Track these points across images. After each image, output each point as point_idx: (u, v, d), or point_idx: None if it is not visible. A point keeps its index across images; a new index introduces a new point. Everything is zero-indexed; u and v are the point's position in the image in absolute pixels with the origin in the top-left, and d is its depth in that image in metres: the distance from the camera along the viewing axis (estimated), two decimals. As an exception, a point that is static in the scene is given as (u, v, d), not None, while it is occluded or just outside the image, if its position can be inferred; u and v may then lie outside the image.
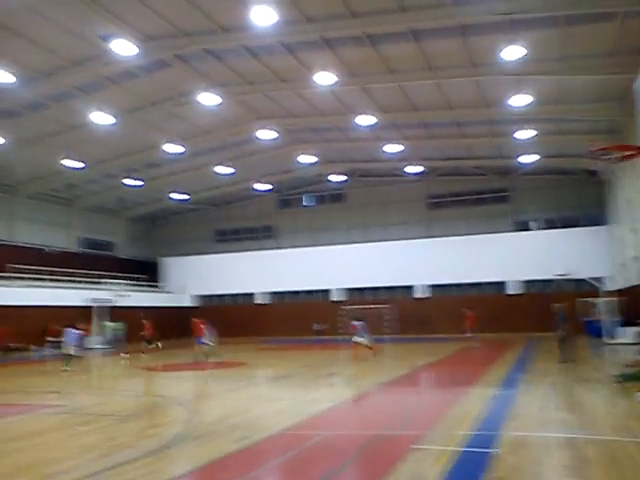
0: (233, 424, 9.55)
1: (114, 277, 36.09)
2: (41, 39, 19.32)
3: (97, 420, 10.47)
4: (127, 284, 36.42)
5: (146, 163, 33.60)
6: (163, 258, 45.97)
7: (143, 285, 41.32)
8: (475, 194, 39.15)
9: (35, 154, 29.75)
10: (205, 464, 7.02)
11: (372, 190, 41.52)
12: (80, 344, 20.80)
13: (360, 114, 26.64)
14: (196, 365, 20.79)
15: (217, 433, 8.82)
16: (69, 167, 31.64)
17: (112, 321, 32.64)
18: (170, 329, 38.18)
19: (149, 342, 26.92)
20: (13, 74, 20.46)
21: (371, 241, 40.45)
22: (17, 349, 27.40)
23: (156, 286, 43.87)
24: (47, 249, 36.53)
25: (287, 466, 7.16)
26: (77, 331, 20.22)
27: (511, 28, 18.30)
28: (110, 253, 42.78)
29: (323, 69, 21.69)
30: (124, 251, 44.14)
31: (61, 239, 38.47)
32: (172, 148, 30.37)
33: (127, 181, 35.54)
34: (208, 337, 22.59)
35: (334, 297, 40.59)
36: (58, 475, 6.65)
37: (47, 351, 27.16)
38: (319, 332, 38.71)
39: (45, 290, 32.30)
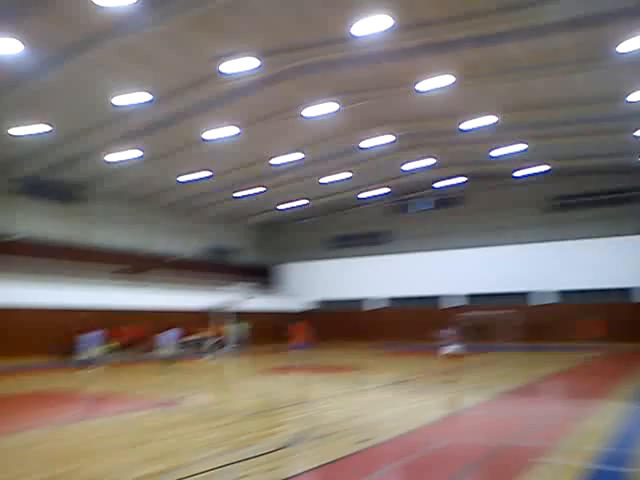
0: (350, 427, 9.72)
1: (236, 282, 37.77)
2: (166, 61, 20.82)
3: (223, 417, 11.09)
4: (249, 288, 37.97)
5: (263, 173, 34.95)
6: (281, 264, 47.56)
7: (264, 290, 42.95)
8: (600, 194, 36.66)
9: (163, 168, 32.05)
10: (323, 464, 7.22)
11: (489, 193, 40.22)
12: (176, 345, 21.99)
13: (476, 115, 26.05)
14: (310, 368, 21.23)
15: (335, 435, 9.03)
16: (193, 179, 33.79)
17: (234, 324, 34.21)
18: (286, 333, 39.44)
19: (222, 347, 27.80)
20: (147, 94, 22.29)
21: (487, 245, 39.19)
22: (149, 349, 29.52)
23: (274, 291, 45.44)
24: (174, 256, 39.16)
25: (403, 472, 7.19)
26: (173, 333, 21.41)
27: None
28: (232, 259, 44.97)
29: (438, 72, 21.49)
30: (245, 257, 46.28)
31: (190, 246, 41.14)
32: (287, 158, 31.45)
33: (246, 191, 37.23)
34: (303, 342, 22.54)
35: (448, 303, 39.74)
36: (191, 465, 7.16)
37: (175, 351, 29.12)
38: (436, 339, 37.94)
39: (173, 294, 34.61)
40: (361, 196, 42.09)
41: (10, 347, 25.20)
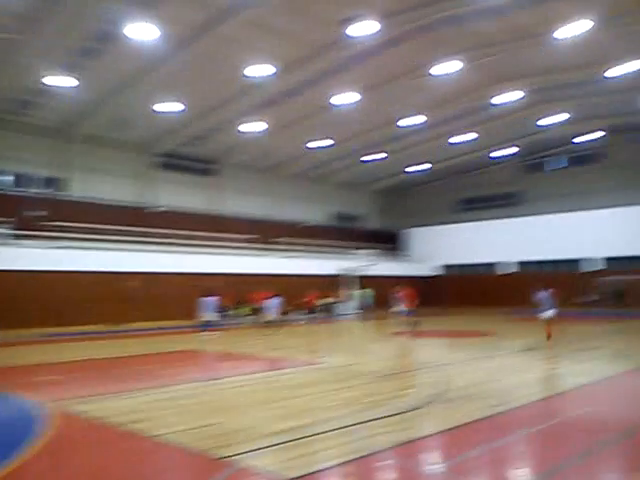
0: (482, 391, 9.63)
1: (362, 248, 38.30)
2: (291, 31, 21.18)
3: (354, 378, 11.46)
4: (374, 254, 38.34)
5: (387, 137, 34.70)
6: (407, 229, 47.27)
7: (389, 255, 43.10)
8: None
9: (289, 137, 32.92)
10: (453, 427, 7.26)
11: (632, 147, 36.74)
12: (279, 310, 22.42)
13: (619, 61, 23.82)
14: (437, 333, 21.08)
15: (466, 399, 9.00)
16: (318, 147, 34.39)
17: (361, 289, 34.83)
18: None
19: (311, 312, 27.57)
20: (274, 65, 22.92)
21: (630, 204, 36.00)
22: (285, 312, 30.91)
23: (401, 256, 45.40)
24: (302, 223, 40.39)
25: (535, 439, 7.01)
26: (277, 299, 21.79)
27: None
28: (358, 225, 45.50)
29: (573, 18, 19.87)
30: (370, 223, 46.61)
31: (315, 213, 42.17)
32: (412, 120, 30.91)
33: (370, 156, 37.23)
34: (408, 308, 21.62)
35: (586, 267, 37.28)
36: (326, 422, 7.53)
37: (309, 315, 30.36)
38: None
39: (303, 260, 35.80)
40: (490, 156, 40.35)
41: (156, 310, 27.52)
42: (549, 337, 17.04)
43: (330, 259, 37.04)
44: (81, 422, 7.87)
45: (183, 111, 27.35)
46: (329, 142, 33.69)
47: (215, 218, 35.26)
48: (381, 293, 36.02)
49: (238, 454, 6.12)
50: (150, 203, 32.65)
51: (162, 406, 8.84)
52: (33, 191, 28.69)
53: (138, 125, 29.58)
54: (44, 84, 23.62)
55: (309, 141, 33.75)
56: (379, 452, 6.23)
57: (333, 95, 26.85)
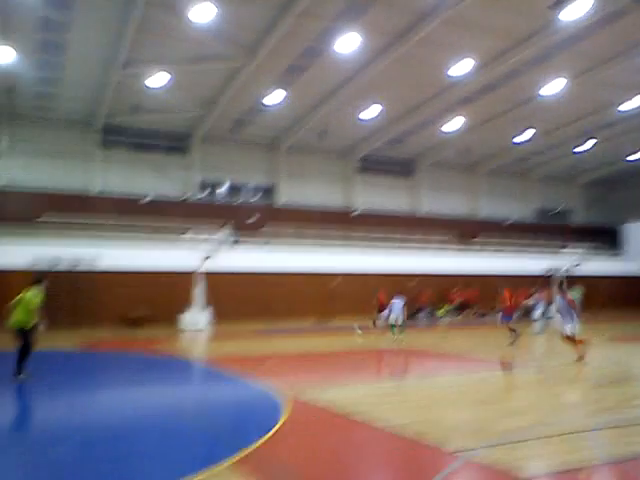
0: None
1: (568, 245, 35.58)
2: (492, 25, 20.54)
3: (572, 382, 10.81)
4: (584, 252, 35.37)
5: (598, 125, 31.83)
6: (621, 223, 42.66)
7: (601, 252, 39.45)
8: None
9: (490, 133, 31.84)
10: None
11: None
12: (403, 313, 19.92)
13: None
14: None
15: None
16: (520, 141, 32.78)
17: (570, 289, 32.32)
18: (631, 299, 35.93)
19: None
20: (474, 61, 22.51)
21: None
22: (482, 313, 30.13)
23: (613, 253, 41.22)
24: (504, 220, 38.83)
25: None
26: (401, 301, 19.73)
27: None
28: (565, 221, 42.39)
29: None
30: (579, 218, 43.15)
31: (518, 210, 40.24)
32: (629, 104, 27.97)
33: (579, 147, 34.51)
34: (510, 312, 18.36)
35: None
36: (555, 424, 7.29)
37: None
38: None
39: (503, 260, 34.36)
40: None
41: (356, 308, 27.88)
42: (580, 358, 13.33)
43: (533, 258, 35.05)
44: (311, 408, 8.57)
45: (381, 116, 28.07)
46: (532, 134, 31.92)
47: (412, 218, 35.54)
48: (593, 294, 33.15)
49: (463, 450, 6.19)
50: (350, 206, 34.05)
51: (379, 400, 9.23)
52: (247, 199, 31.82)
53: (338, 132, 31.03)
54: (258, 104, 26.06)
55: (511, 135, 32.35)
56: (612, 463, 5.85)
57: (537, 85, 25.47)
